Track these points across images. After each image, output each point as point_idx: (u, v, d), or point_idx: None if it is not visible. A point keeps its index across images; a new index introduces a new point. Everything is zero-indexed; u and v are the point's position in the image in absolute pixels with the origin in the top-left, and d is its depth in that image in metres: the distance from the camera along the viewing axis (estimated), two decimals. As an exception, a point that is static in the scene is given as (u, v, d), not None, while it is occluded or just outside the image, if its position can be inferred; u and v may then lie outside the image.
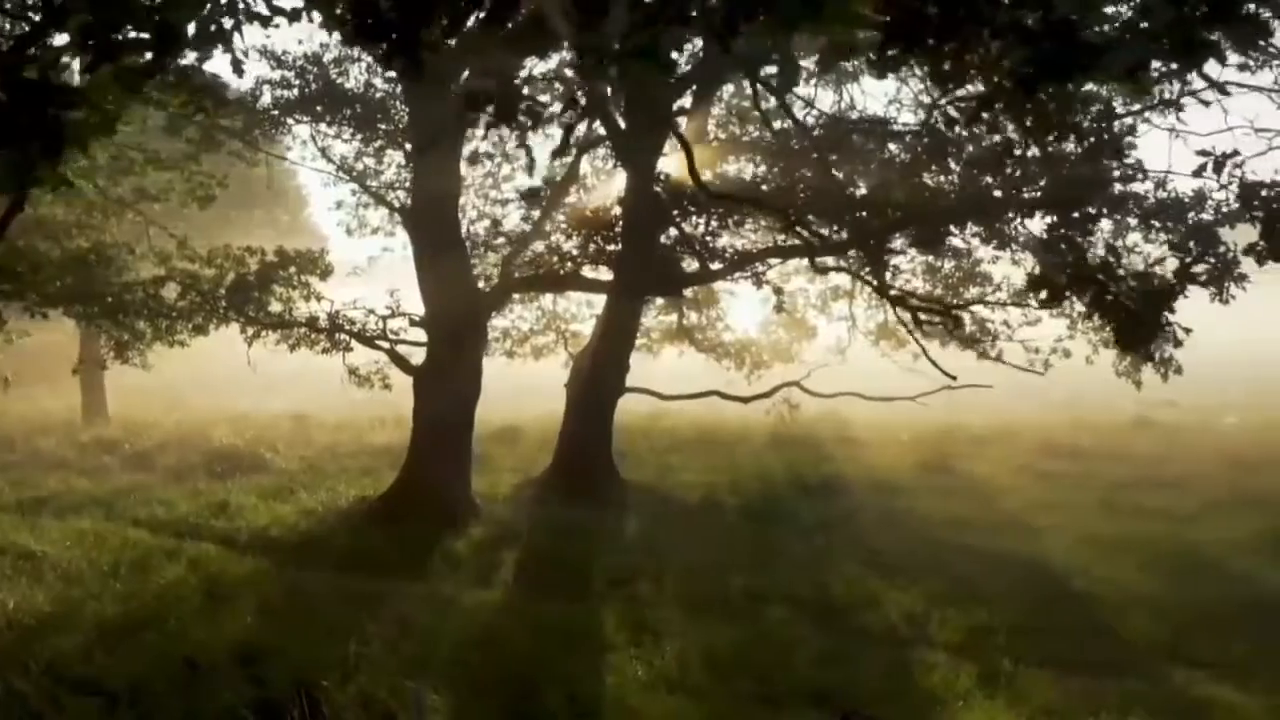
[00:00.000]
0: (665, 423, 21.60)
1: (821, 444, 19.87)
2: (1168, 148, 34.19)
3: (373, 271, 19.92)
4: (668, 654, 7.86)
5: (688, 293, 20.46)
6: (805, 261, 20.16)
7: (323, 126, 14.60)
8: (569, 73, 16.92)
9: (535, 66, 16.49)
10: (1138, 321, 4.53)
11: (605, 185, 17.39)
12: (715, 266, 12.80)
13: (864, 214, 9.40)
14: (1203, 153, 4.93)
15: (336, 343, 14.60)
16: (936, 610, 9.41)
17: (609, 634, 8.50)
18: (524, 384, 21.72)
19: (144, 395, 27.69)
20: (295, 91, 14.29)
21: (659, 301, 21.28)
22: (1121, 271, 4.64)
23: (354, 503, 13.73)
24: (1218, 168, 5.28)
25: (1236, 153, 6.03)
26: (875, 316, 21.15)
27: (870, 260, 11.30)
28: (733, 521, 13.58)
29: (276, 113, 14.74)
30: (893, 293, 12.75)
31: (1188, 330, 15.88)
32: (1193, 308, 10.83)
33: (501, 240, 12.74)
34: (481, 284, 13.60)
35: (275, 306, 14.55)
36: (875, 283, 12.53)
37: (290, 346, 15.04)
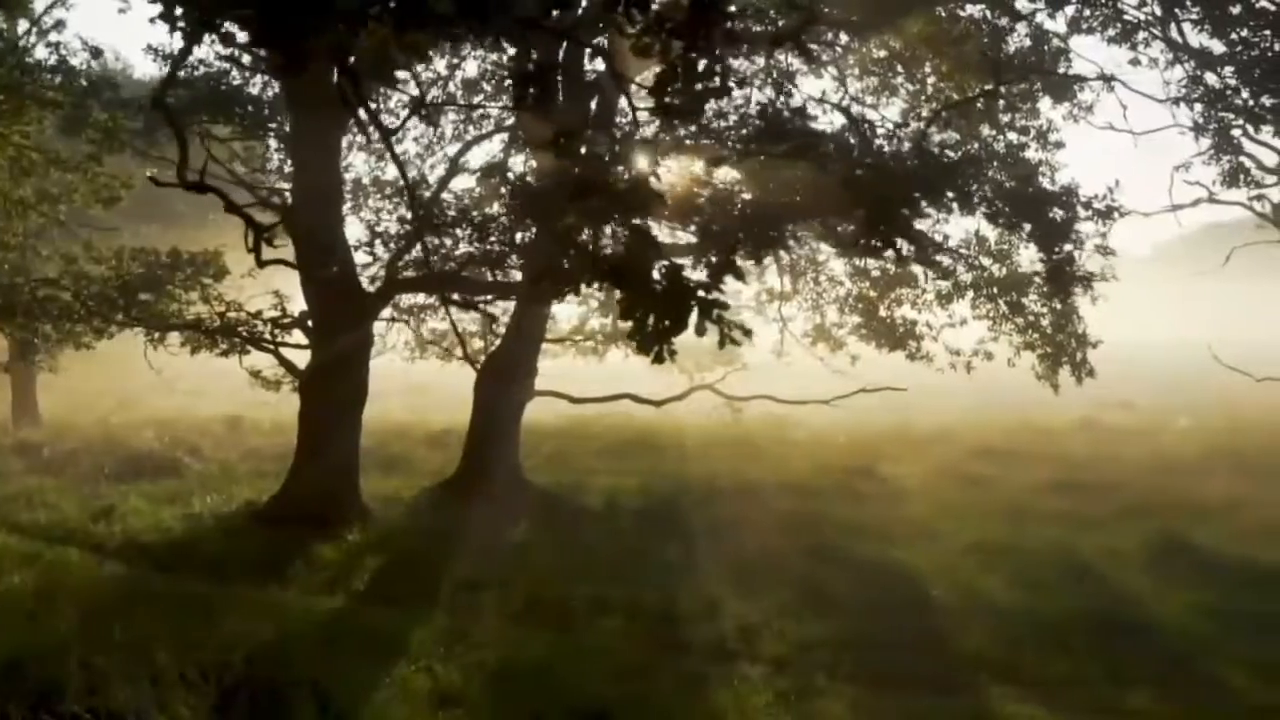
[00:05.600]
0: (602, 425, 21.37)
1: (754, 447, 19.52)
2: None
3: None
4: (459, 666, 7.61)
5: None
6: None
7: (216, 128, 14.45)
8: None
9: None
10: (656, 323, 4.19)
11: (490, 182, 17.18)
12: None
13: (710, 214, 9.12)
14: (813, 134, 4.61)
15: (233, 345, 14.49)
16: (775, 621, 9.08)
17: (417, 643, 8.24)
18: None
19: (100, 397, 27.81)
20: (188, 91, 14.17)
21: (593, 304, 21.08)
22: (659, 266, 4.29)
23: (242, 507, 13.58)
24: (802, 151, 4.93)
25: (822, 139, 5.68)
26: (812, 319, 20.87)
27: (715, 263, 10.99)
28: (623, 526, 13.31)
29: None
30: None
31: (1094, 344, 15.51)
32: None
33: (378, 241, 12.51)
34: (369, 285, 13.41)
35: (171, 307, 14.48)
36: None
37: (191, 349, 14.96)
